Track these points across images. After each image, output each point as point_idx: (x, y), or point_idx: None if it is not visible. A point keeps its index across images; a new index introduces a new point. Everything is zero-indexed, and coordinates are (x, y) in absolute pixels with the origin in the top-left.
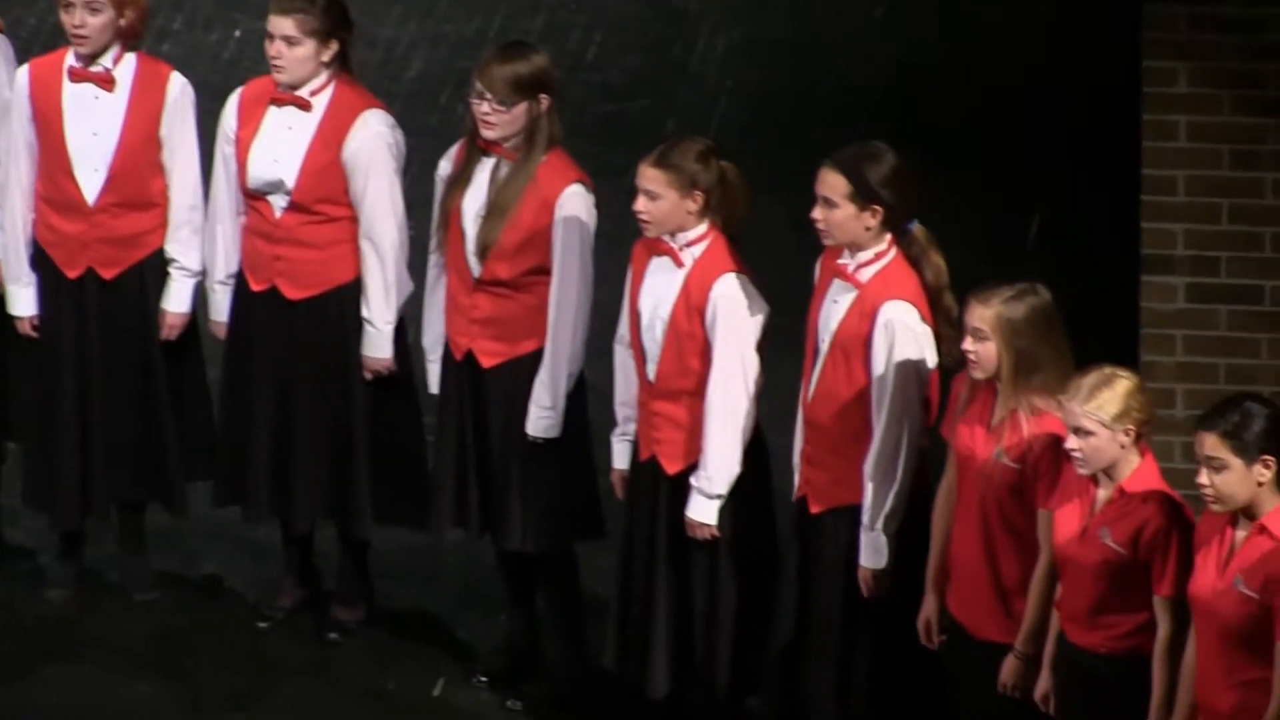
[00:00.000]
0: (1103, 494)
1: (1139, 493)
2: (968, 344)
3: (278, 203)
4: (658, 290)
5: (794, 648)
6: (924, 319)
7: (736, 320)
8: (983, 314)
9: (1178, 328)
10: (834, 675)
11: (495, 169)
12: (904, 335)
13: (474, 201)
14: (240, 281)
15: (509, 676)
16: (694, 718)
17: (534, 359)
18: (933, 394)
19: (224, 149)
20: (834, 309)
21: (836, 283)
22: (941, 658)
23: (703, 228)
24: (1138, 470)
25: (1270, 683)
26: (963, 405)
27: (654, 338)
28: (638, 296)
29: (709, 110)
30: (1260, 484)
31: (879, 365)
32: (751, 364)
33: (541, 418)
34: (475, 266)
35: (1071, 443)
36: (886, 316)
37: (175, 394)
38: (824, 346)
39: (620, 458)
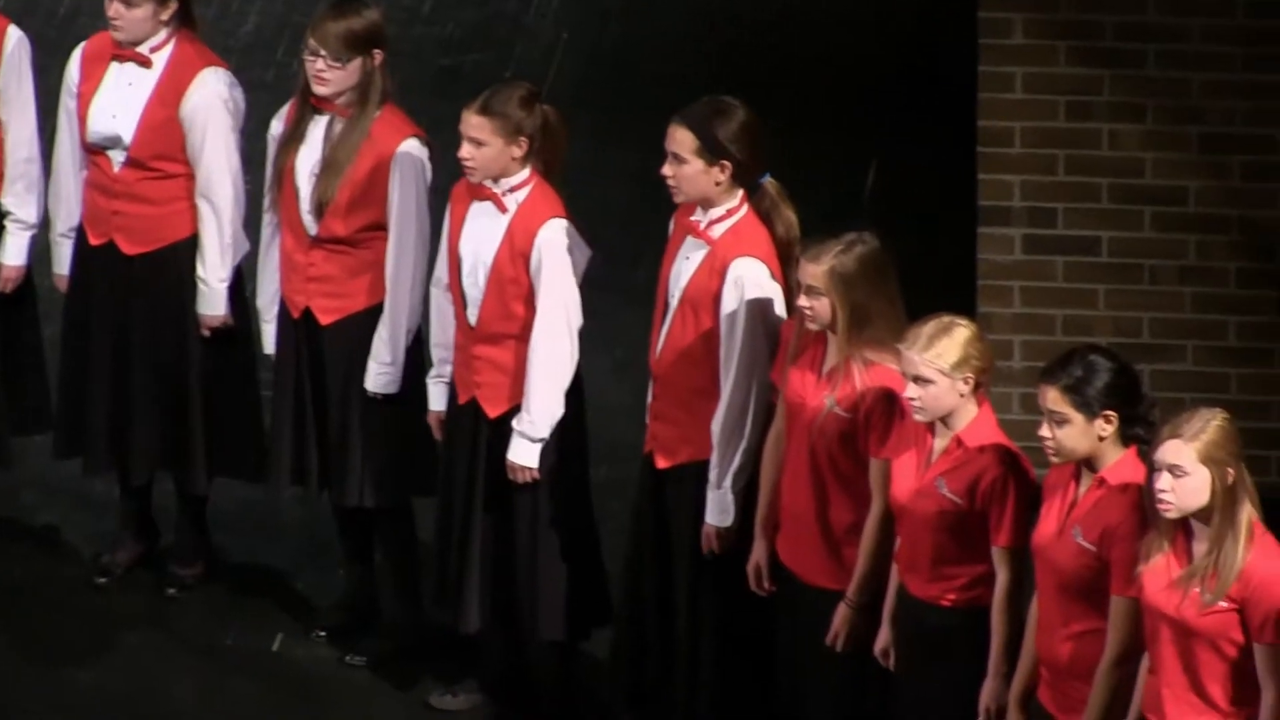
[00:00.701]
0: (939, 444)
1: (976, 443)
2: (802, 300)
3: (116, 158)
4: (480, 235)
5: (635, 599)
6: (774, 276)
7: (561, 265)
8: (815, 271)
9: (1015, 279)
10: (682, 629)
11: (329, 126)
12: (754, 292)
13: (308, 159)
14: (80, 235)
15: (347, 631)
16: (532, 669)
17: (372, 315)
18: (781, 351)
19: (67, 103)
20: (685, 265)
21: (689, 239)
22: (774, 605)
23: (525, 173)
24: (975, 420)
25: (1103, 632)
26: (793, 352)
27: (476, 283)
28: (458, 241)
29: (545, 64)
30: (1101, 438)
31: (728, 322)
32: (575, 308)
33: (381, 374)
34: (311, 224)
35: (910, 391)
36: (737, 273)
37: (5, 348)
38: (674, 302)
39: (437, 400)
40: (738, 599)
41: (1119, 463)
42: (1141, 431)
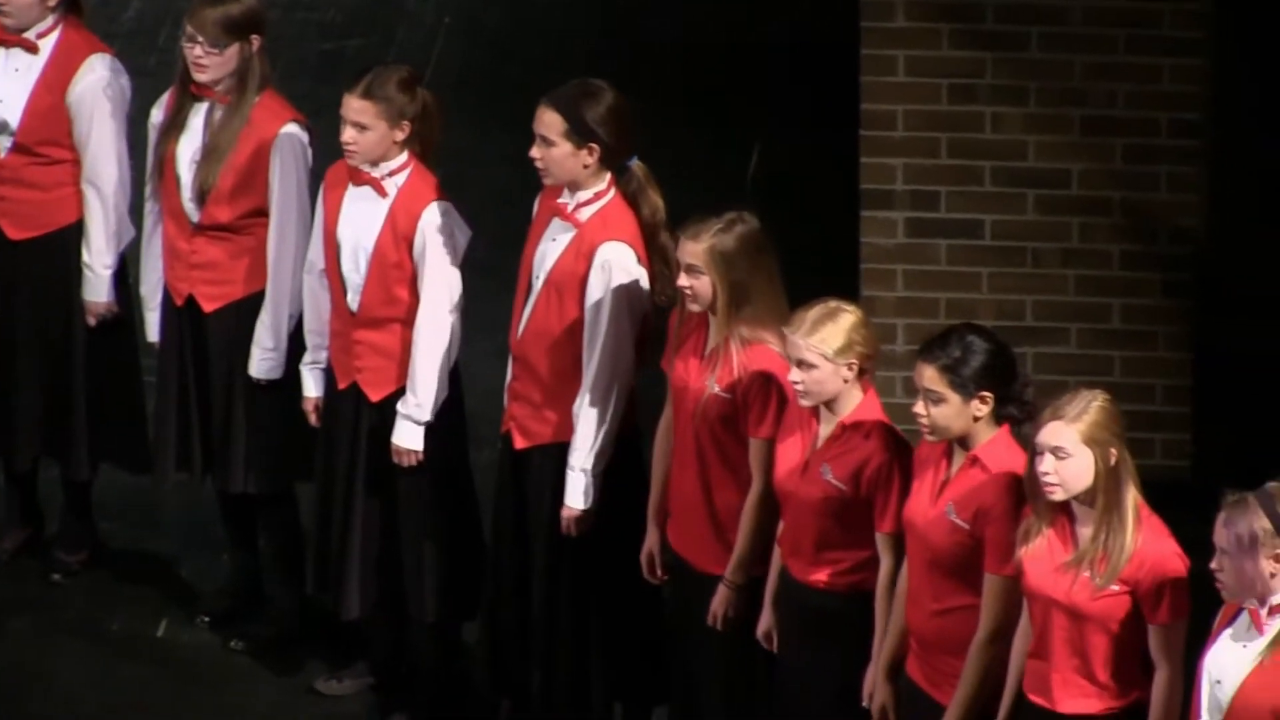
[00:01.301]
0: (824, 429)
1: (861, 428)
2: (682, 280)
3: (2, 143)
4: (359, 220)
5: (499, 582)
6: (640, 261)
7: (444, 248)
8: (695, 249)
9: (898, 262)
10: (542, 612)
11: (209, 113)
12: (620, 276)
13: (189, 147)
14: None
15: (232, 616)
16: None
17: (255, 301)
18: (645, 336)
19: None
20: (551, 247)
21: (555, 221)
22: (662, 593)
23: (404, 157)
24: (860, 405)
25: (978, 609)
26: (679, 339)
27: (357, 268)
28: (335, 226)
29: (427, 48)
30: (976, 418)
31: (593, 305)
32: (458, 290)
33: (264, 359)
34: (193, 212)
35: (794, 375)
36: (604, 257)
37: None
38: (538, 284)
39: (312, 386)
40: (599, 582)
41: (992, 442)
42: (1015, 411)
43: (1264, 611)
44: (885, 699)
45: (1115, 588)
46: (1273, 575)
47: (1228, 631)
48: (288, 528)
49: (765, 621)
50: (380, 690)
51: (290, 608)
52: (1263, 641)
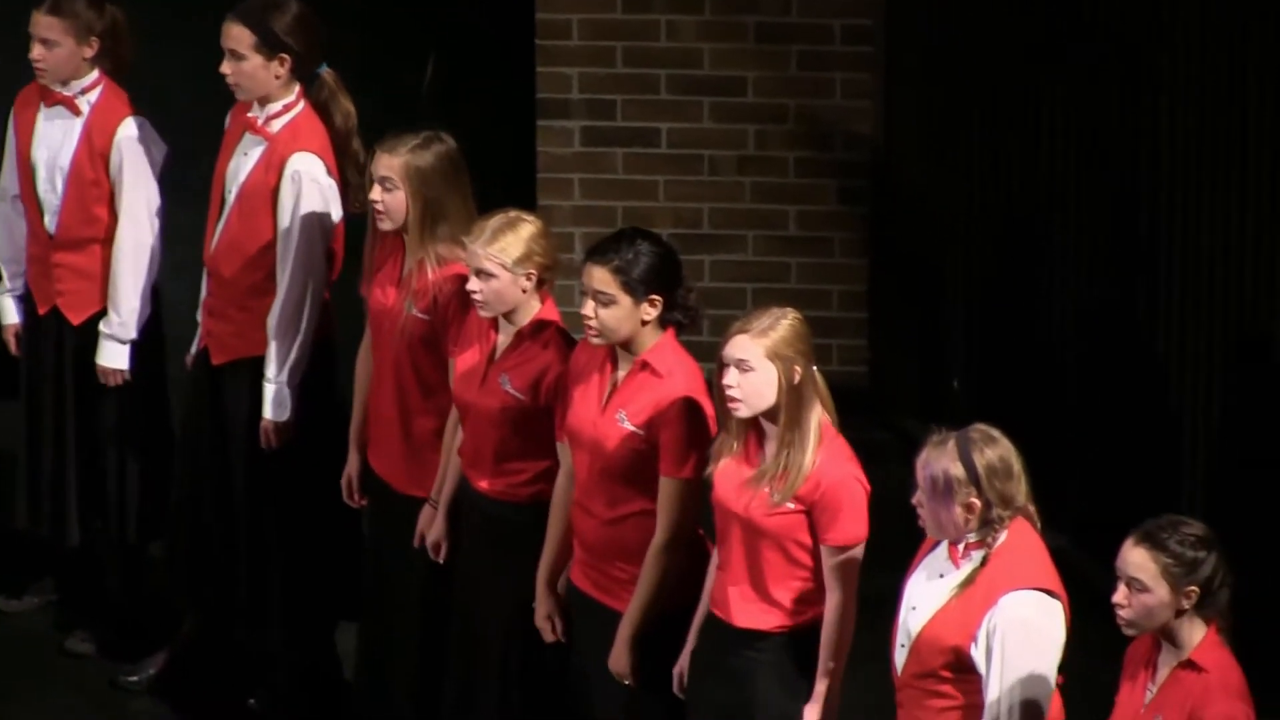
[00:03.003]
0: (503, 339)
1: (539, 338)
2: (375, 194)
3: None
4: (54, 140)
5: (193, 496)
6: (331, 171)
7: (141, 163)
8: (390, 163)
9: (574, 171)
10: (242, 525)
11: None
12: (310, 188)
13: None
14: None
15: None
16: (100, 565)
17: None
18: (338, 246)
19: None
20: (243, 161)
21: (246, 135)
22: (360, 516)
23: (95, 74)
24: (539, 315)
25: (654, 515)
26: (374, 263)
27: (54, 189)
28: (29, 148)
29: None
30: (644, 321)
31: (285, 218)
32: (157, 205)
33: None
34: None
35: (472, 284)
36: (294, 168)
37: None
38: (230, 198)
39: (11, 313)
40: (294, 495)
41: (659, 346)
42: (680, 317)
43: (960, 549)
44: (551, 608)
45: (791, 506)
46: (966, 521)
47: (929, 558)
48: None
49: (436, 531)
50: (65, 605)
51: None
52: (956, 578)
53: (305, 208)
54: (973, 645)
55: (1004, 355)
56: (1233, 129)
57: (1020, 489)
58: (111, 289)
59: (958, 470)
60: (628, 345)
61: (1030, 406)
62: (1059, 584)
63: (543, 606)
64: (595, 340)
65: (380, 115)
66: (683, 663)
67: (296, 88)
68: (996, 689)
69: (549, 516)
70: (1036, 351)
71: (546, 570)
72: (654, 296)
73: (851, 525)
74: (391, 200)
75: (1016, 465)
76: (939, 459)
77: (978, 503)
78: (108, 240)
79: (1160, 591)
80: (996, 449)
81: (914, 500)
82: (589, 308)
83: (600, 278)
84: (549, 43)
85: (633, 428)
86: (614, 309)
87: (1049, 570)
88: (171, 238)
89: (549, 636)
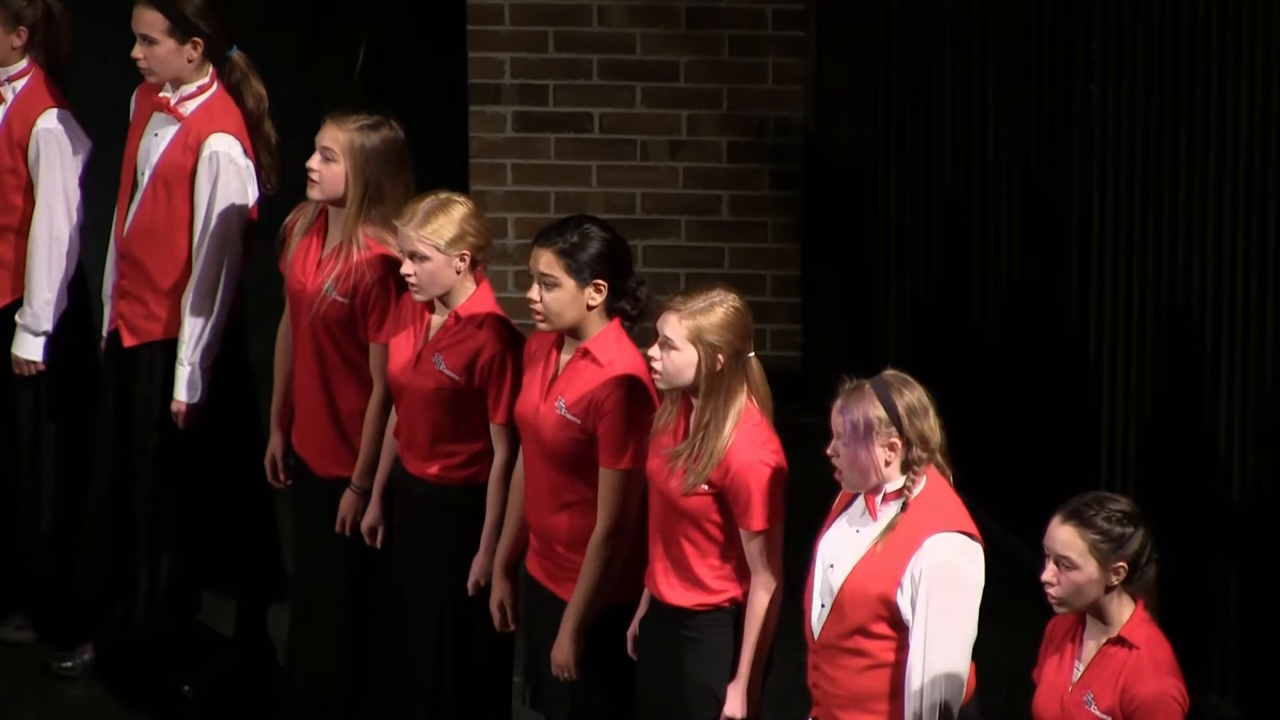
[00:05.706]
0: (437, 320)
1: (474, 319)
2: (313, 162)
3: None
4: None
5: (107, 481)
6: (247, 152)
7: (58, 156)
8: (335, 135)
9: (507, 156)
10: (150, 509)
11: None
12: (227, 169)
13: None
14: None
15: None
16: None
17: None
18: (252, 228)
19: None
20: (155, 142)
21: (157, 116)
22: (274, 496)
23: (24, 63)
24: (473, 297)
25: (596, 504)
26: (295, 236)
27: None
28: None
29: None
30: (590, 307)
31: (202, 199)
32: (75, 199)
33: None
34: None
35: (406, 268)
36: (211, 149)
37: None
38: (143, 180)
39: None
40: (207, 478)
41: (603, 334)
42: (627, 306)
43: (879, 499)
44: (504, 595)
45: (704, 488)
46: (887, 464)
47: (844, 515)
48: None
49: (371, 515)
50: None
51: None
52: (876, 528)
53: (222, 188)
54: (898, 591)
55: (936, 339)
56: (1161, 108)
57: (936, 431)
58: (26, 281)
59: (878, 410)
60: (575, 332)
61: (962, 389)
62: (977, 530)
63: (496, 593)
64: (541, 325)
65: (310, 99)
66: (634, 627)
67: (210, 70)
68: (921, 631)
69: (486, 501)
70: (967, 334)
71: (503, 556)
72: (599, 282)
73: (762, 510)
74: (327, 171)
75: (932, 407)
76: (858, 403)
77: (899, 442)
78: (24, 230)
79: (1089, 568)
80: (913, 391)
81: (828, 451)
82: (534, 291)
83: (545, 260)
84: (480, 28)
85: (570, 416)
86: (557, 292)
87: (967, 516)
88: (100, 228)
89: (499, 625)
